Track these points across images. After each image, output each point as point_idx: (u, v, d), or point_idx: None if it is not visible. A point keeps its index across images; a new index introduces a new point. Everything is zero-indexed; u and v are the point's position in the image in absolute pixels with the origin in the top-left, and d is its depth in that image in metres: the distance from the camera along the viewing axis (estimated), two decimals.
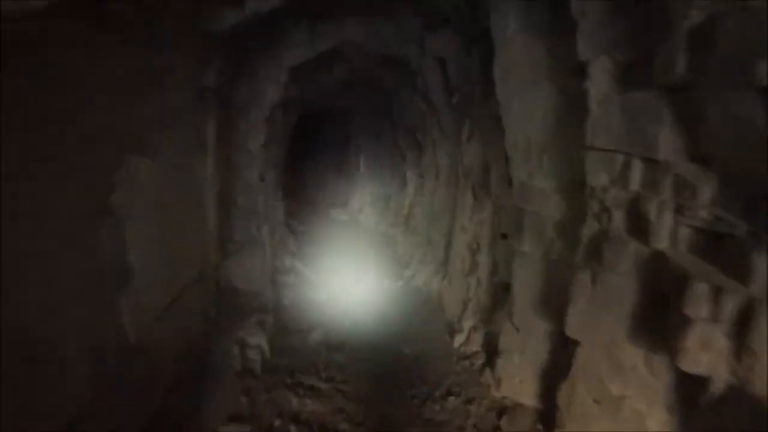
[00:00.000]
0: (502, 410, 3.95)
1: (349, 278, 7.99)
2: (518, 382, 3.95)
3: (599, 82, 2.73)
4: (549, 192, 3.54)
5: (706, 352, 2.02)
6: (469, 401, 4.20)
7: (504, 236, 4.36)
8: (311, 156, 15.85)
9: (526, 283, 3.80)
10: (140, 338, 3.58)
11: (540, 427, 3.68)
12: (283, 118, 7.73)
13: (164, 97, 4.16)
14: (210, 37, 4.88)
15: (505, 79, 4.01)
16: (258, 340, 5.00)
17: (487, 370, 4.45)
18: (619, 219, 2.65)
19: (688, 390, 2.20)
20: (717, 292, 1.95)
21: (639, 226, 2.47)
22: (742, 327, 1.90)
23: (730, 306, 1.92)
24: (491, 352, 4.58)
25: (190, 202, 4.70)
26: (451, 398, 4.28)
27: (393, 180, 11.50)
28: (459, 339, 5.21)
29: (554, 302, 3.49)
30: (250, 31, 5.98)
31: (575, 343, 3.04)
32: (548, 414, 3.51)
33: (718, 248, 2.09)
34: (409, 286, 7.40)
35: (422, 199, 8.40)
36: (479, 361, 4.74)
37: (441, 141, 7.24)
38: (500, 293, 4.61)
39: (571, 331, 3.10)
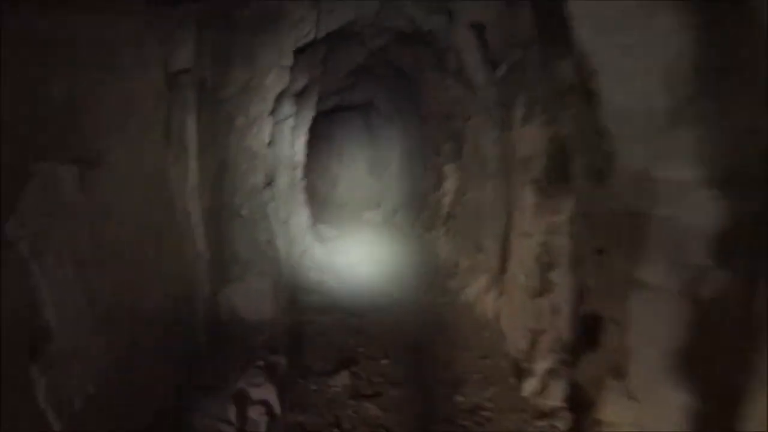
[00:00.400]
0: None
1: (386, 293, 6.71)
2: None
3: None
4: (693, 186, 2.12)
5: None
6: None
7: (599, 252, 2.94)
8: (340, 155, 14.66)
9: (650, 329, 2.39)
10: (70, 427, 2.40)
11: None
12: (294, 110, 6.50)
13: (109, 81, 2.96)
14: (180, 5, 3.68)
15: (593, 20, 2.59)
16: (264, 393, 3.77)
17: None
18: None
19: None
20: None
21: None
22: None
23: None
24: (581, 414, 3.18)
25: (161, 220, 3.50)
26: None
27: (428, 176, 10.12)
28: (530, 386, 3.82)
29: (709, 368, 2.07)
30: (240, 7, 4.76)
31: None
32: None
33: None
34: (457, 302, 6.03)
35: (466, 197, 6.99)
36: (564, 426, 3.35)
37: (484, 127, 5.82)
38: (593, 330, 3.20)
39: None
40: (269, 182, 5.55)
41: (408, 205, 11.18)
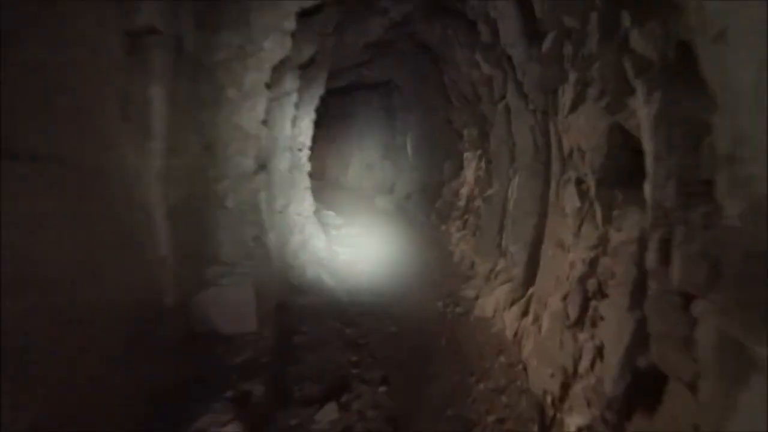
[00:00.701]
0: None
1: (390, 296, 5.91)
2: None
3: None
4: None
5: None
6: None
7: (686, 297, 2.06)
8: (354, 137, 13.77)
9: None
10: None
11: None
12: (297, 85, 5.62)
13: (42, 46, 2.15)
14: None
15: None
16: None
17: None
18: None
19: None
20: None
21: None
22: None
23: None
24: None
25: (107, 216, 2.72)
26: None
27: (448, 164, 9.21)
28: None
29: None
30: None
31: None
32: None
33: None
34: (471, 314, 5.20)
35: (490, 192, 6.09)
36: None
37: (520, 111, 4.89)
38: (651, 389, 2.34)
39: None
40: (262, 167, 4.73)
41: (423, 192, 10.30)
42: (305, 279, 5.80)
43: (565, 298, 3.46)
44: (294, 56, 5.36)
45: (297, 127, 6.39)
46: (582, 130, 3.30)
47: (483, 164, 6.72)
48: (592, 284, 3.10)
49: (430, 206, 9.62)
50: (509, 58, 4.73)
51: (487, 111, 6.18)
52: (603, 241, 3.00)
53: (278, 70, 4.83)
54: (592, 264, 3.12)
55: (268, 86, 4.77)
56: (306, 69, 5.81)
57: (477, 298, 5.43)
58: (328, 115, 14.88)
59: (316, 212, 9.75)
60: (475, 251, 6.20)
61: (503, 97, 5.50)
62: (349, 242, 8.39)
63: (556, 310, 3.54)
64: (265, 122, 4.67)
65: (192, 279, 3.75)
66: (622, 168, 2.88)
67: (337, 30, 6.40)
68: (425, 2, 6.68)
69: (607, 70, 2.86)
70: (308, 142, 7.39)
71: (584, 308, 3.19)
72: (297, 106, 5.88)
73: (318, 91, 7.09)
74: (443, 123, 9.18)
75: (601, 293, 3.01)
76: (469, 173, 7.69)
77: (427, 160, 10.00)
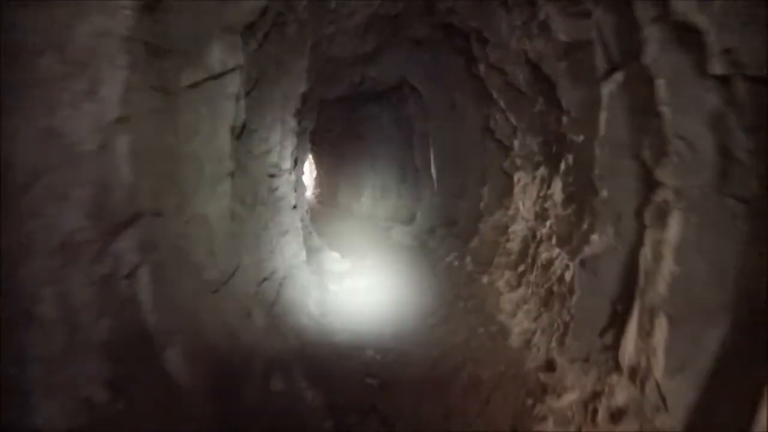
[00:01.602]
0: None
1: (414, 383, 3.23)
2: None
3: None
4: None
5: None
6: None
7: None
8: (366, 158, 11.24)
9: None
10: None
11: None
12: (241, 59, 3.08)
13: None
14: None
15: None
16: None
17: None
18: None
19: None
20: None
21: None
22: None
23: None
24: None
25: None
26: None
27: (485, 188, 6.53)
28: None
29: None
30: None
31: None
32: None
33: None
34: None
35: (586, 249, 3.34)
36: None
37: (682, 79, 2.21)
38: None
39: None
40: (135, 216, 2.16)
41: (451, 226, 7.60)
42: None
43: None
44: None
45: (251, 137, 3.84)
46: None
47: (556, 191, 4.02)
48: None
49: (463, 245, 6.90)
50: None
51: (570, 99, 3.51)
52: None
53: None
54: None
55: (152, 52, 2.22)
56: (254, 33, 3.27)
57: (552, 411, 2.70)
58: (336, 133, 12.46)
59: (315, 256, 7.19)
60: (559, 346, 3.45)
61: (614, 68, 2.83)
62: (352, 302, 5.73)
63: None
64: (121, 120, 2.10)
65: None
66: None
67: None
68: None
69: None
70: (287, 164, 4.82)
71: None
72: (242, 100, 3.33)
73: (295, 82, 4.56)
74: (478, 132, 6.53)
75: None
76: (526, 203, 4.98)
77: (457, 184, 7.34)
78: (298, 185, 6.69)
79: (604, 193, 2.86)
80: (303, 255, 5.55)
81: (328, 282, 6.26)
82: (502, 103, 5.22)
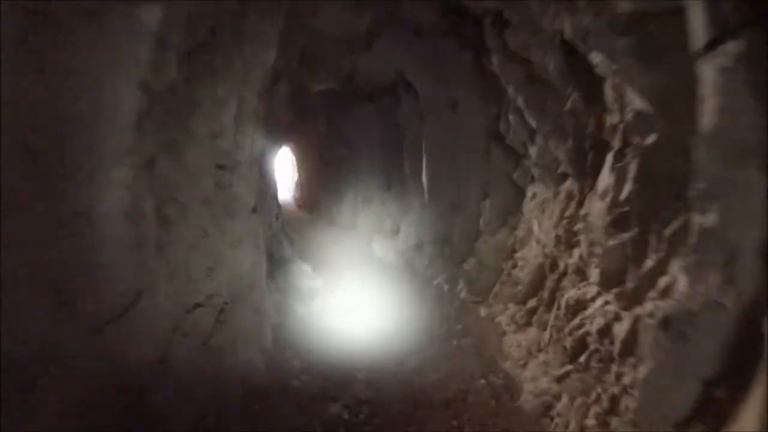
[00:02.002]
0: None
1: None
2: None
3: None
4: None
5: None
6: None
7: None
8: (347, 162, 10.17)
9: None
10: None
11: None
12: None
13: None
14: None
15: None
16: None
17: None
18: None
19: None
20: None
21: None
22: None
23: None
24: None
25: None
26: None
27: (486, 202, 5.51)
28: None
29: None
30: None
31: None
32: None
33: None
34: None
35: (652, 301, 2.33)
36: None
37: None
38: None
39: None
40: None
41: (442, 243, 6.55)
42: None
43: None
44: None
45: (192, 112, 2.74)
46: None
47: (596, 212, 3.02)
48: None
49: (455, 267, 5.87)
50: None
51: (639, 87, 2.51)
52: None
53: None
54: None
55: None
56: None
57: None
58: (318, 132, 11.37)
59: (282, 269, 6.06)
60: (602, 427, 2.41)
61: (725, 36, 1.84)
62: (320, 330, 4.61)
63: None
64: None
65: None
66: None
67: None
68: None
69: None
70: (244, 154, 3.70)
71: None
72: (172, 51, 2.24)
73: (260, 52, 3.48)
74: (482, 137, 5.53)
75: None
76: (544, 224, 3.96)
77: (452, 196, 6.32)
78: (265, 184, 5.58)
79: (710, 219, 1.84)
80: (262, 270, 4.42)
81: (294, 302, 5.14)
82: (519, 101, 4.23)
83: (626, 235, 2.63)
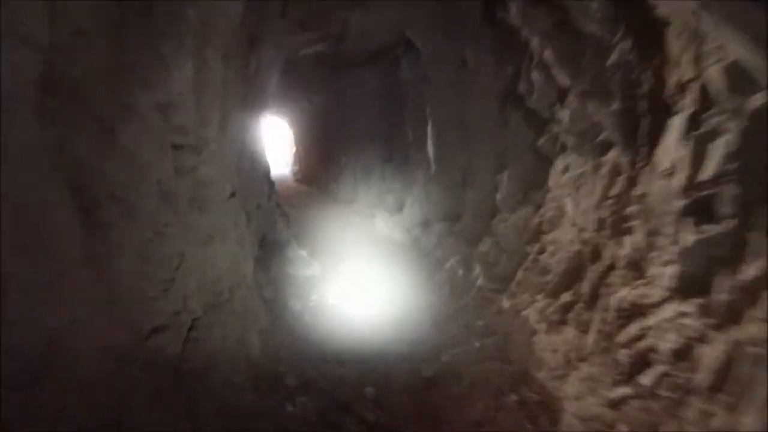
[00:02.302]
0: None
1: None
2: None
3: None
4: None
5: None
6: None
7: None
8: (346, 130, 9.40)
9: None
10: None
11: None
12: None
13: None
14: None
15: None
16: None
17: None
18: None
19: None
20: None
21: None
22: None
23: None
24: None
25: None
26: None
27: (504, 175, 4.81)
28: None
29: None
30: None
31: None
32: None
33: None
34: None
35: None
36: None
37: None
38: None
39: None
40: None
41: (452, 221, 5.90)
42: None
43: None
44: None
45: (125, 74, 2.03)
46: None
47: (658, 192, 2.35)
48: None
49: (468, 247, 5.23)
50: None
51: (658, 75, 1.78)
52: None
53: None
54: None
55: None
56: None
57: None
58: (312, 101, 10.53)
59: (276, 255, 5.45)
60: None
61: None
62: (317, 331, 4.02)
63: None
64: None
65: None
66: None
67: None
68: None
69: None
70: (211, 130, 3.00)
71: None
72: None
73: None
74: (496, 99, 4.78)
75: None
76: (581, 203, 3.27)
77: (462, 167, 5.62)
78: (251, 162, 4.88)
79: None
80: (247, 265, 3.80)
81: (288, 297, 4.54)
82: (547, 55, 3.47)
83: (713, 229, 1.96)
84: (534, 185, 4.31)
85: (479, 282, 4.64)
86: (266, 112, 8.71)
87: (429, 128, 6.15)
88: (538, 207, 4.15)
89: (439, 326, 4.03)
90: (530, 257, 4.05)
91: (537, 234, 4.03)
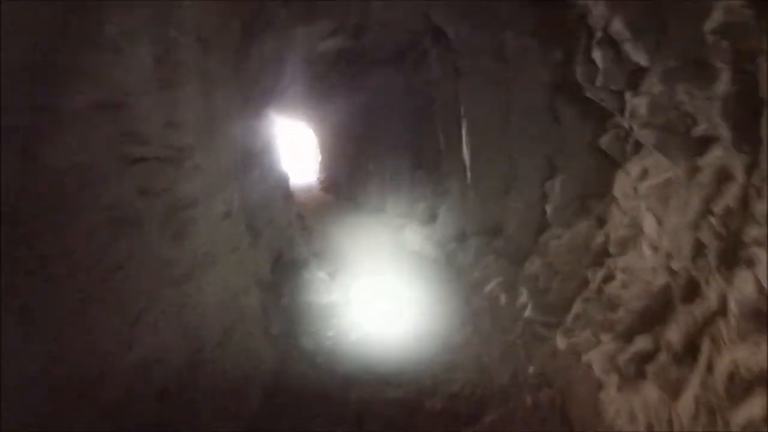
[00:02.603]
0: None
1: None
2: None
3: None
4: None
5: None
6: None
7: None
8: (372, 134, 8.81)
9: None
10: None
11: None
12: None
13: None
14: None
15: None
16: None
17: None
18: None
19: None
20: None
21: None
22: None
23: None
24: None
25: None
26: None
27: (554, 182, 4.06)
28: None
29: None
30: None
31: None
32: None
33: None
34: None
35: None
36: None
37: None
38: None
39: None
40: None
41: (492, 234, 5.16)
42: None
43: None
44: None
45: (68, 59, 1.48)
46: None
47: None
48: None
49: (512, 267, 4.50)
50: None
51: None
52: None
53: None
54: None
55: None
56: None
57: None
58: (335, 105, 10.01)
59: (292, 277, 4.90)
60: None
61: None
62: (330, 376, 3.40)
63: None
64: None
65: None
66: None
67: None
68: None
69: None
70: (188, 136, 2.45)
71: None
72: None
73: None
74: (544, 91, 4.05)
75: None
76: (667, 221, 2.51)
77: (503, 172, 4.89)
78: (262, 171, 4.35)
79: None
80: (249, 298, 3.24)
81: (302, 332, 3.94)
82: (616, 26, 2.73)
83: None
84: (594, 193, 3.55)
85: (527, 313, 3.90)
86: (287, 116, 8.24)
87: (463, 129, 5.45)
88: (601, 222, 3.39)
89: (481, 372, 3.32)
90: (592, 285, 3.29)
91: (600, 256, 3.27)
